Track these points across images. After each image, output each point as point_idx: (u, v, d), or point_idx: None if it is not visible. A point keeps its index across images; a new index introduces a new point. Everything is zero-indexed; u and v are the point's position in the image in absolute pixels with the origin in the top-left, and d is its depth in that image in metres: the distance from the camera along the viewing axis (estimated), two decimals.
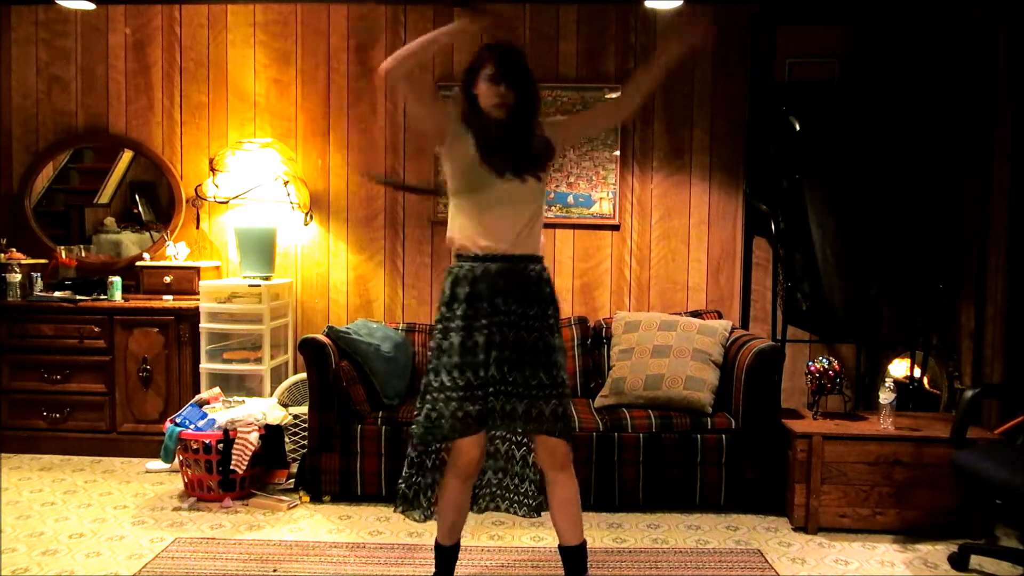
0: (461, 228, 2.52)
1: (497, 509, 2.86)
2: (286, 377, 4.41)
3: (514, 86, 2.45)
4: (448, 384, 2.46)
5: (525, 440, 2.73)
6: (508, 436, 2.76)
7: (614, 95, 2.50)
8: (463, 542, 3.22)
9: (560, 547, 2.62)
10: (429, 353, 2.56)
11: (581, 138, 2.58)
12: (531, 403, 2.46)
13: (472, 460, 2.56)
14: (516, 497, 2.80)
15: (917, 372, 4.21)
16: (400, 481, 2.67)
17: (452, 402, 2.45)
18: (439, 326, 2.52)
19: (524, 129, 2.50)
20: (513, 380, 2.45)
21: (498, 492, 2.82)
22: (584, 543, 2.62)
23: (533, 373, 2.46)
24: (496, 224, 2.47)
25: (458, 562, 2.75)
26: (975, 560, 3.12)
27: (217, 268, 4.65)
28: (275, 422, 3.80)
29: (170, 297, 4.42)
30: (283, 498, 3.67)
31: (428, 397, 2.51)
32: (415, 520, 2.68)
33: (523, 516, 2.81)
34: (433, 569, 2.74)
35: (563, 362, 2.55)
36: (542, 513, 2.80)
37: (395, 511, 2.73)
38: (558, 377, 2.50)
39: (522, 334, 2.46)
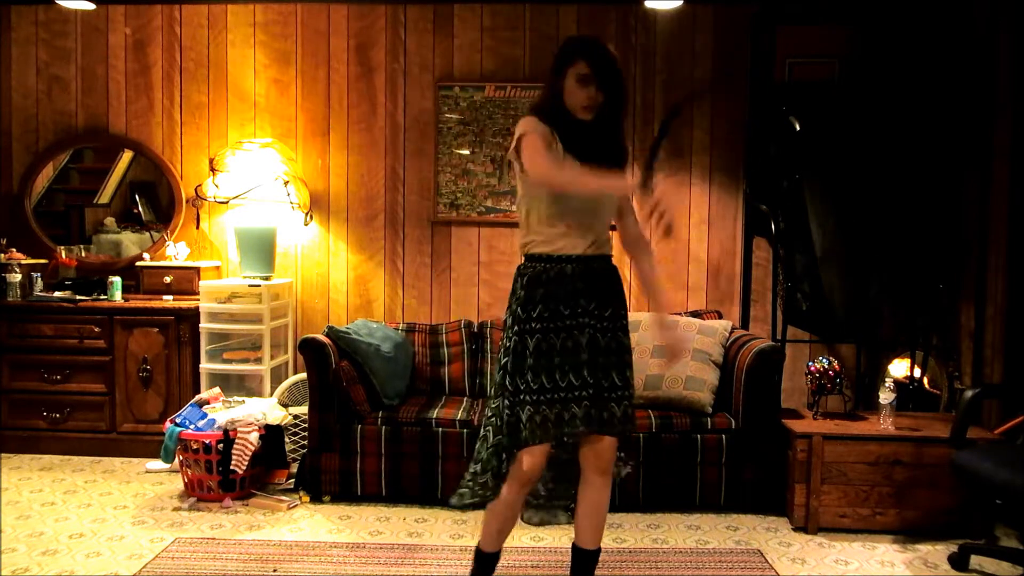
0: (538, 228, 2.45)
1: (555, 521, 2.72)
2: (286, 377, 4.41)
3: (605, 89, 2.37)
4: (523, 388, 2.39)
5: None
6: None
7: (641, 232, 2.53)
8: (462, 542, 3.23)
9: (574, 547, 2.59)
10: (503, 355, 2.47)
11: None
12: (605, 405, 2.43)
13: (537, 467, 2.46)
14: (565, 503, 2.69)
15: (917, 372, 4.21)
16: (469, 481, 2.53)
17: (528, 406, 2.38)
18: (515, 327, 2.44)
19: (610, 133, 2.46)
20: (594, 383, 2.41)
21: (554, 503, 2.70)
22: (599, 551, 2.58)
23: (607, 375, 2.42)
24: (579, 226, 2.42)
25: (458, 562, 2.74)
26: (975, 560, 3.12)
27: (217, 268, 4.65)
28: (275, 422, 3.80)
29: (170, 297, 4.42)
30: (283, 498, 3.67)
31: (507, 402, 2.42)
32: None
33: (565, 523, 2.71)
34: (432, 569, 2.72)
35: (631, 362, 2.53)
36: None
37: (458, 508, 2.59)
38: (630, 378, 2.49)
39: (598, 336, 2.42)
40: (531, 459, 2.41)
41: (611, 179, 2.39)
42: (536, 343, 2.40)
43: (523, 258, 2.50)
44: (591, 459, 2.50)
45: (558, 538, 3.29)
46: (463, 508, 2.57)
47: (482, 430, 2.51)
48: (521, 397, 2.39)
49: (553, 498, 2.68)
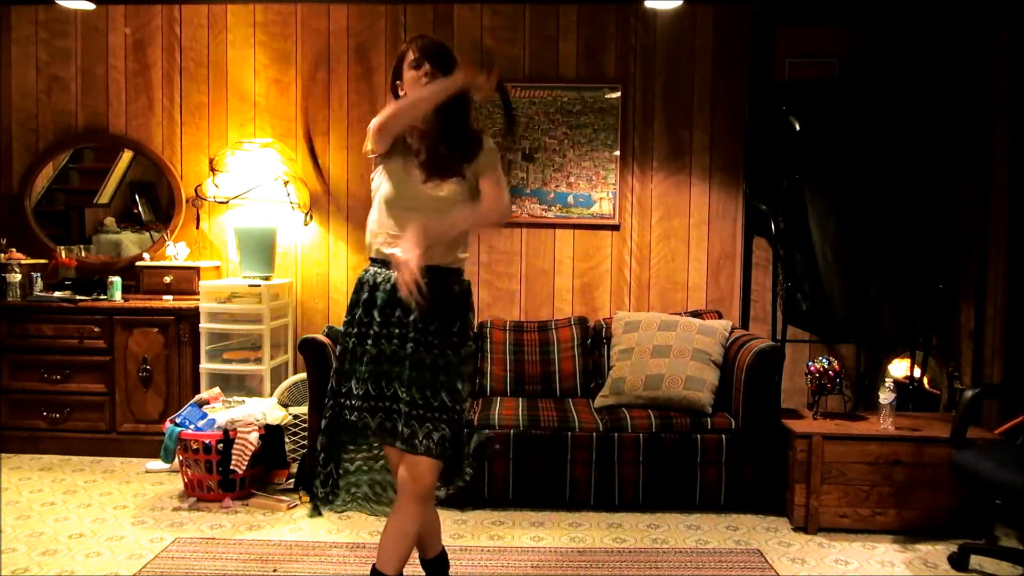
0: (374, 232, 2.44)
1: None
2: (286, 377, 4.41)
3: (439, 66, 2.31)
4: (343, 391, 2.37)
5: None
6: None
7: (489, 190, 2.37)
8: (462, 542, 3.23)
9: (373, 568, 2.42)
10: (338, 356, 2.44)
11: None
12: (407, 422, 2.29)
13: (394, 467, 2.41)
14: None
15: (917, 372, 4.21)
16: (317, 483, 2.50)
17: (343, 409, 2.36)
18: (348, 330, 2.42)
19: (457, 114, 2.35)
20: (394, 397, 2.32)
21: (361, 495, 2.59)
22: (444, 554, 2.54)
23: (422, 391, 2.30)
24: (405, 229, 2.30)
25: (458, 562, 2.74)
26: (975, 560, 3.12)
27: (217, 268, 4.65)
28: (275, 422, 3.80)
29: (170, 297, 4.42)
30: (283, 498, 3.67)
31: (330, 402, 2.41)
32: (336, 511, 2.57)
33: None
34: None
35: (456, 386, 2.35)
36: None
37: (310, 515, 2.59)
38: (448, 401, 2.32)
39: (416, 349, 2.30)
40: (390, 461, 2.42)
41: (440, 82, 2.26)
42: (349, 347, 2.37)
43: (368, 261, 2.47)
44: (404, 484, 2.33)
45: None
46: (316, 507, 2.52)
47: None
48: (340, 400, 2.37)
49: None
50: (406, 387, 2.30)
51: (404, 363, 2.31)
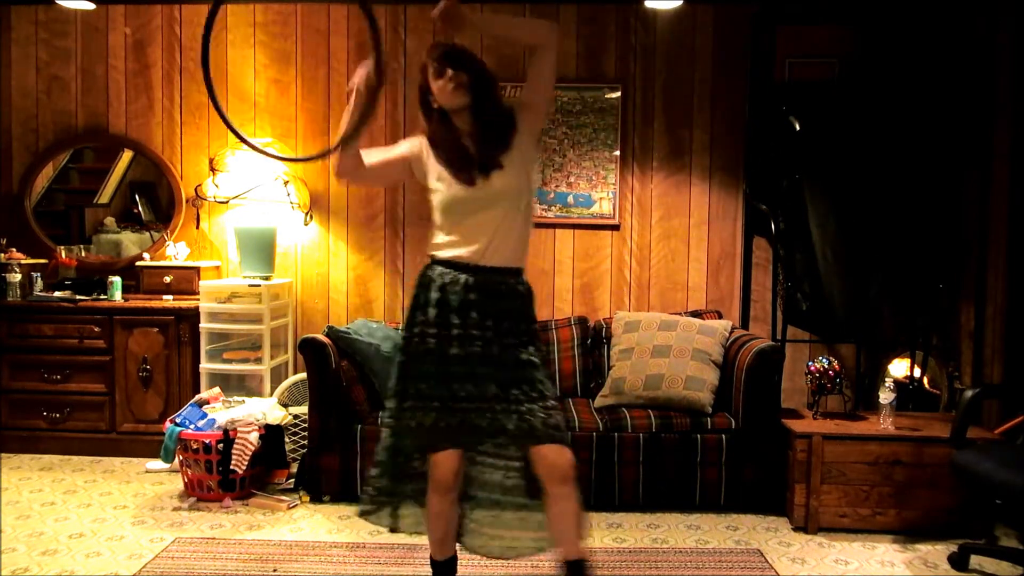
0: (438, 234, 2.45)
1: (464, 546, 2.64)
2: (286, 377, 4.41)
3: (462, 67, 2.37)
4: (415, 393, 2.38)
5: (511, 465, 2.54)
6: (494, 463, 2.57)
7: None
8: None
9: (562, 562, 2.49)
10: (399, 359, 2.45)
11: (542, 96, 2.42)
12: (517, 418, 2.34)
13: (448, 472, 2.44)
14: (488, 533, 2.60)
15: (917, 372, 4.21)
16: (368, 489, 2.54)
17: (421, 412, 2.37)
18: (406, 332, 2.43)
19: (489, 110, 2.41)
20: (483, 395, 2.35)
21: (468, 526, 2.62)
22: (582, 560, 2.45)
23: (511, 387, 2.35)
24: (468, 231, 2.38)
25: (459, 562, 2.74)
26: (975, 560, 3.12)
27: (217, 268, 4.65)
28: (275, 422, 3.80)
29: (170, 297, 4.42)
30: (283, 498, 3.67)
31: (404, 406, 2.42)
32: (381, 526, 2.59)
33: (496, 557, 2.62)
34: (430, 570, 2.71)
35: (538, 376, 2.40)
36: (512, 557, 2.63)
37: (360, 516, 2.60)
38: (541, 391, 2.37)
39: (492, 349, 2.35)
40: (441, 466, 2.42)
41: (348, 105, 2.39)
42: (427, 350, 2.37)
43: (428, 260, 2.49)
44: (544, 472, 2.39)
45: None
46: (368, 519, 2.56)
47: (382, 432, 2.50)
48: (415, 403, 2.38)
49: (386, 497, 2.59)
50: (504, 385, 2.34)
51: (485, 363, 2.35)
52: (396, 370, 2.45)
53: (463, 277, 2.37)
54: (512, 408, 2.35)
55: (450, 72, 2.36)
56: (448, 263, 2.41)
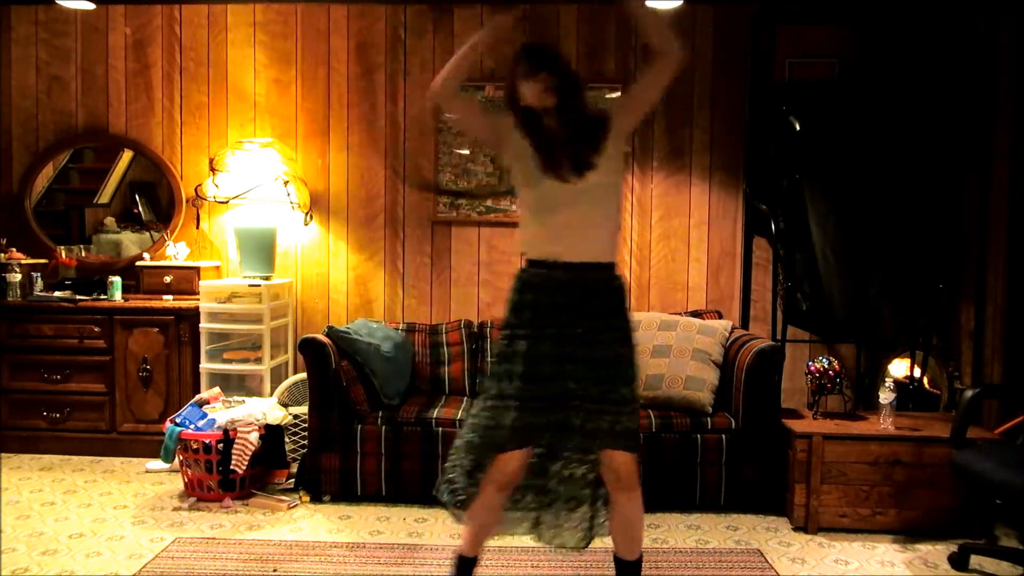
0: (529, 232, 2.47)
1: (540, 538, 2.66)
2: (286, 377, 4.41)
3: (552, 70, 2.40)
4: (504, 392, 2.39)
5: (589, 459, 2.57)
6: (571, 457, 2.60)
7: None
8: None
9: (615, 556, 2.58)
10: (492, 360, 2.49)
11: (648, 101, 2.47)
12: (590, 418, 2.38)
13: (513, 472, 2.45)
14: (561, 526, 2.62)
15: (917, 372, 4.21)
16: (444, 484, 2.55)
17: (512, 412, 2.38)
18: (504, 332, 2.45)
19: (578, 110, 2.44)
20: (576, 394, 2.38)
21: (543, 519, 2.64)
22: (639, 561, 2.55)
23: (595, 387, 2.38)
24: (565, 232, 2.39)
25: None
26: (975, 560, 3.12)
27: (217, 268, 4.65)
28: (275, 422, 3.80)
29: (170, 297, 4.42)
30: (283, 498, 3.67)
31: (488, 404, 2.43)
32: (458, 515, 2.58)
33: (570, 548, 2.64)
34: (432, 569, 2.72)
35: (631, 376, 2.45)
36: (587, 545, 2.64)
37: (455, 520, 2.62)
38: (626, 393, 2.41)
39: (587, 347, 2.38)
40: (507, 463, 2.42)
41: (475, 36, 2.45)
42: (521, 349, 2.39)
43: (523, 262, 2.50)
44: (609, 478, 2.47)
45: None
46: (445, 506, 2.57)
47: (461, 428, 2.52)
48: (501, 401, 2.39)
49: (517, 507, 2.61)
50: (589, 384, 2.36)
51: (580, 361, 2.37)
52: (494, 369, 2.46)
53: (558, 274, 2.40)
54: (595, 408, 2.38)
55: (539, 74, 2.39)
56: (542, 263, 2.42)
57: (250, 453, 3.61)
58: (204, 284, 4.30)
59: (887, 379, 3.62)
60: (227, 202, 4.37)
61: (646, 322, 4.02)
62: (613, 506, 2.51)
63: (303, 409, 4.08)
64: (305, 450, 3.84)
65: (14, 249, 4.49)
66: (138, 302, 4.33)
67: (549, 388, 2.37)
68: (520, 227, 2.52)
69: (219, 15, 4.62)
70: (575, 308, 2.39)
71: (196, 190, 4.47)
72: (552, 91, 2.40)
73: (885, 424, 3.49)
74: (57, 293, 4.41)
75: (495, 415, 2.41)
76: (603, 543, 3.26)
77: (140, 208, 4.87)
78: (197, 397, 3.95)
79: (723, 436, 3.62)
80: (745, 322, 4.47)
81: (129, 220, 4.89)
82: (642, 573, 2.60)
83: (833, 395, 3.73)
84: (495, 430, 2.40)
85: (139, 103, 4.69)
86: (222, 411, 3.77)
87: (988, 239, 3.95)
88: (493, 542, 3.23)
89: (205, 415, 3.72)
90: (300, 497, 3.71)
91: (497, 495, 2.48)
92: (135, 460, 4.24)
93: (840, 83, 4.36)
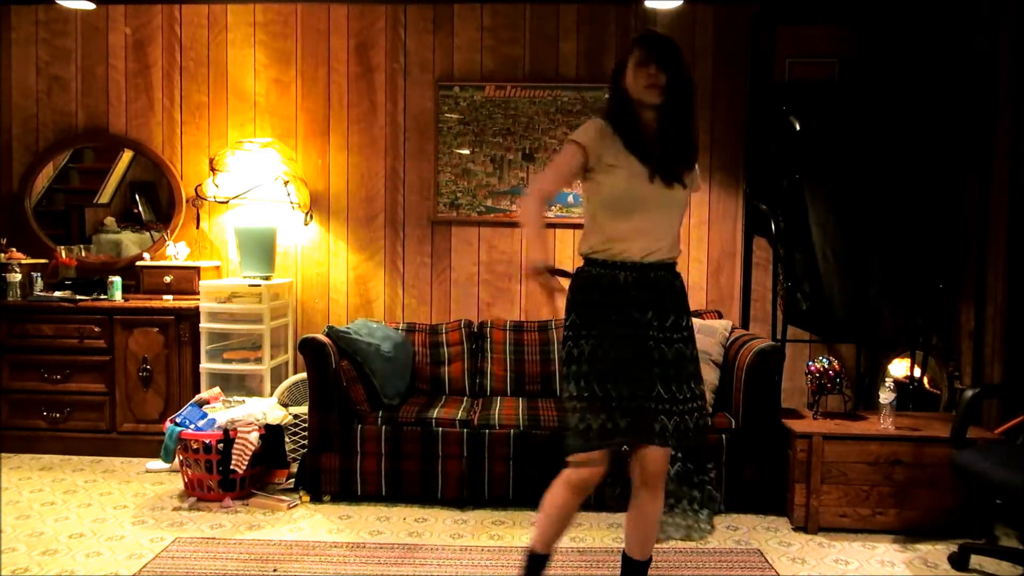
0: (598, 232, 2.40)
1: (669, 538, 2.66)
2: (286, 377, 4.41)
3: (665, 68, 2.32)
4: (575, 394, 2.35)
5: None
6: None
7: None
8: (462, 542, 3.24)
9: (623, 554, 2.55)
10: (562, 362, 2.45)
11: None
12: (655, 417, 2.34)
13: (588, 474, 2.38)
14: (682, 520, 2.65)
15: (917, 372, 4.21)
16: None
17: (577, 413, 2.33)
18: (568, 333, 2.40)
19: (681, 119, 2.38)
20: (645, 394, 2.33)
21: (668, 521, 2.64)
22: (648, 562, 2.52)
23: (664, 386, 2.34)
24: (635, 231, 2.34)
25: (458, 562, 2.74)
26: (975, 560, 3.12)
27: (217, 268, 4.65)
28: (275, 422, 3.80)
29: (170, 297, 4.42)
30: (283, 498, 3.67)
31: (567, 406, 2.40)
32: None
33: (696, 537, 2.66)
34: (432, 569, 2.72)
35: (697, 374, 2.42)
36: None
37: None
38: (693, 390, 2.39)
39: (655, 345, 2.34)
40: (583, 466, 2.37)
41: (532, 248, 2.36)
42: (589, 350, 2.34)
43: (583, 261, 2.46)
44: (636, 471, 2.44)
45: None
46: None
47: None
48: (573, 404, 2.35)
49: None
50: (657, 384, 2.33)
51: (649, 360, 2.34)
52: (564, 372, 2.42)
53: (623, 275, 2.36)
54: (675, 408, 2.34)
55: (653, 68, 2.33)
56: (607, 263, 2.38)
57: (250, 453, 3.61)
58: (204, 284, 4.30)
59: (887, 379, 3.62)
60: (227, 202, 4.37)
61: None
62: (633, 501, 2.47)
63: (303, 409, 4.08)
64: (305, 450, 3.83)
65: (14, 249, 4.49)
66: (138, 302, 4.33)
67: (618, 391, 2.32)
68: (587, 226, 2.44)
69: (219, 15, 4.62)
70: (641, 307, 2.35)
71: (196, 190, 4.47)
72: (659, 88, 2.33)
73: (885, 424, 3.49)
74: (57, 293, 4.41)
75: (570, 417, 2.37)
76: (602, 543, 3.27)
77: (140, 208, 4.87)
78: (197, 397, 3.95)
79: (723, 436, 3.61)
80: (745, 322, 4.47)
81: (129, 220, 4.89)
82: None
83: (833, 395, 3.73)
84: (571, 431, 2.36)
85: (139, 103, 4.69)
86: (222, 411, 3.77)
87: (988, 239, 3.95)
88: (493, 542, 3.24)
89: (205, 415, 3.72)
90: (300, 497, 3.71)
91: (576, 498, 2.40)
92: (135, 460, 4.24)
93: (840, 83, 4.36)
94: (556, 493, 2.41)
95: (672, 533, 2.64)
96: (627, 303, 2.35)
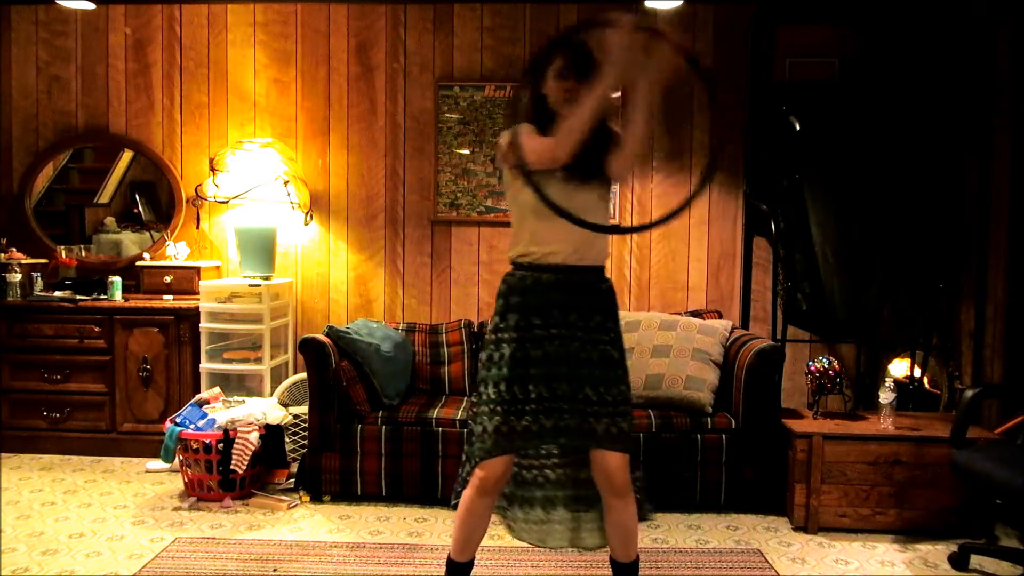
0: (524, 236, 2.41)
1: (574, 545, 2.66)
2: (286, 377, 4.41)
3: (585, 80, 2.29)
4: (493, 397, 2.36)
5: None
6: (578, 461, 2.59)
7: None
8: None
9: (611, 559, 2.55)
10: (479, 364, 2.45)
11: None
12: (584, 419, 2.34)
13: (494, 477, 2.39)
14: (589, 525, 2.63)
15: (917, 372, 4.21)
16: (454, 498, 2.57)
17: (493, 416, 2.34)
18: (491, 336, 2.42)
19: (595, 130, 2.33)
20: (567, 396, 2.34)
21: (556, 524, 2.64)
22: (635, 562, 2.52)
23: (588, 388, 2.34)
24: (559, 235, 2.34)
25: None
26: (975, 560, 3.12)
27: (217, 268, 4.65)
28: (275, 422, 3.80)
29: (170, 297, 4.42)
30: (283, 498, 3.67)
31: (477, 410, 2.40)
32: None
33: (590, 548, 2.65)
34: (432, 569, 2.72)
35: (622, 377, 2.41)
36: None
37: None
38: (619, 393, 2.37)
39: (577, 347, 2.34)
40: (490, 469, 2.37)
41: (589, 97, 2.23)
42: (508, 353, 2.36)
43: (511, 266, 2.47)
44: (601, 482, 2.43)
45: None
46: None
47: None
48: (489, 407, 2.36)
49: (543, 518, 2.61)
50: (581, 385, 2.33)
51: (573, 362, 2.34)
52: (480, 374, 2.43)
53: (547, 277, 2.37)
54: (597, 410, 2.35)
55: (572, 83, 2.32)
56: (531, 266, 2.38)
57: (250, 453, 3.61)
58: (204, 284, 4.30)
59: (887, 379, 3.62)
60: (227, 202, 4.37)
61: (646, 322, 4.02)
62: (606, 510, 2.47)
63: (303, 409, 4.08)
64: (305, 450, 3.84)
65: (14, 249, 4.49)
66: (138, 302, 4.33)
67: (539, 392, 2.33)
68: (514, 230, 2.46)
69: (219, 15, 4.62)
70: (565, 309, 2.36)
71: (196, 190, 4.47)
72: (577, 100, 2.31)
73: (885, 424, 3.49)
74: (57, 293, 4.41)
75: (480, 420, 2.38)
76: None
77: (140, 208, 4.87)
78: (197, 397, 3.95)
79: (723, 436, 3.62)
80: (745, 322, 4.47)
81: (129, 220, 4.89)
82: (641, 573, 2.59)
83: (833, 395, 3.73)
84: (480, 435, 2.37)
85: (139, 103, 4.69)
86: (222, 411, 3.77)
87: (988, 239, 3.95)
88: (493, 542, 3.24)
89: (205, 415, 3.72)
90: (300, 497, 3.71)
91: (483, 501, 2.42)
92: (135, 460, 4.24)
93: (840, 83, 4.36)
94: (469, 501, 2.42)
95: (586, 541, 2.61)
96: (550, 305, 2.36)
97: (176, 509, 3.59)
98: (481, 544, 3.16)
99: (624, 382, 2.41)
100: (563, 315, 2.35)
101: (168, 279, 4.45)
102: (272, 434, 3.78)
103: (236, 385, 4.25)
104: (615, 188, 4.49)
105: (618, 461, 2.38)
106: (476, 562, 2.59)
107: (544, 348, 2.34)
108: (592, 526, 2.61)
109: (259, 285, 4.25)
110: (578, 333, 2.36)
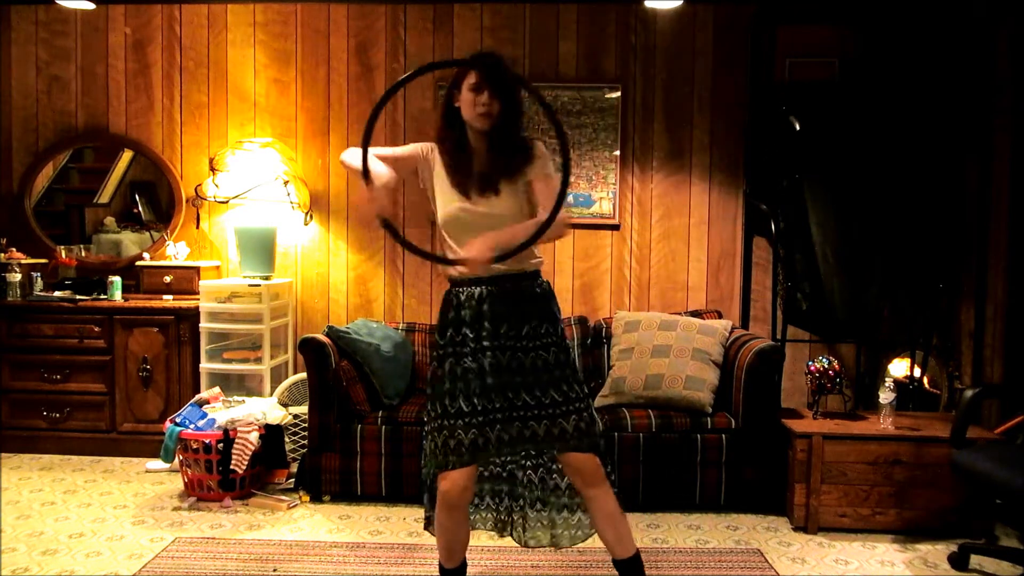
0: (449, 252, 2.44)
1: (539, 544, 2.71)
2: (286, 377, 4.41)
3: (498, 94, 2.33)
4: (440, 412, 2.38)
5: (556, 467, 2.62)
6: (543, 463, 2.65)
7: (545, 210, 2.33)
8: None
9: (613, 560, 2.55)
10: (427, 382, 2.49)
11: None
12: (544, 422, 2.37)
13: (459, 489, 2.40)
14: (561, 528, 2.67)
15: (917, 372, 4.21)
16: (427, 525, 2.66)
17: (444, 431, 2.36)
18: (433, 353, 2.47)
19: (504, 141, 2.38)
20: (512, 405, 2.36)
21: (539, 525, 2.69)
22: (636, 556, 2.52)
23: (538, 393, 2.37)
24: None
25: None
26: (975, 560, 3.12)
27: (217, 268, 4.65)
28: (275, 422, 3.80)
29: (170, 297, 4.42)
30: (283, 498, 3.67)
31: (428, 428, 2.43)
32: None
33: (566, 545, 2.69)
34: (432, 569, 2.73)
35: (570, 376, 2.43)
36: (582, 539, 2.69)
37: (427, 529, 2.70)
38: (570, 392, 2.39)
39: (515, 356, 2.37)
40: (449, 483, 2.38)
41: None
42: (447, 368, 2.38)
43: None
44: (577, 481, 2.46)
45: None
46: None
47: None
48: (436, 423, 2.38)
49: (550, 522, 2.67)
50: (521, 393, 2.35)
51: (509, 371, 2.36)
52: (428, 392, 2.46)
53: (477, 290, 2.39)
54: (541, 414, 2.37)
55: (486, 95, 2.32)
56: (462, 280, 2.41)
57: (250, 453, 3.62)
58: (204, 284, 4.30)
59: (887, 379, 3.62)
60: (227, 202, 4.37)
61: (646, 322, 4.02)
62: (590, 505, 2.48)
63: (303, 409, 4.08)
64: (305, 450, 3.84)
65: (14, 249, 4.49)
66: (138, 302, 4.33)
67: (482, 404, 2.35)
68: (441, 248, 2.49)
69: (219, 15, 4.62)
70: (496, 321, 2.37)
71: (196, 190, 4.46)
72: (492, 117, 2.33)
73: (885, 424, 3.49)
74: (57, 293, 4.41)
75: (431, 437, 2.40)
76: (600, 542, 3.26)
77: (140, 208, 4.87)
78: (197, 397, 3.95)
79: (723, 436, 3.62)
80: (745, 322, 4.47)
81: (129, 220, 4.89)
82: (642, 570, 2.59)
83: (833, 395, 3.73)
84: (432, 452, 2.40)
85: (139, 103, 4.69)
86: (222, 411, 3.77)
87: (988, 239, 3.95)
88: (493, 542, 3.24)
89: (205, 415, 3.73)
90: (300, 497, 3.71)
91: (449, 514, 2.44)
92: (135, 460, 4.24)
93: (840, 83, 4.36)
94: (440, 516, 2.46)
95: (542, 539, 2.63)
96: (481, 317, 2.37)
97: (176, 509, 3.59)
98: (481, 544, 3.17)
99: (570, 380, 2.41)
100: (494, 326, 2.36)
101: (168, 279, 4.45)
102: (272, 434, 3.78)
103: (236, 385, 4.25)
104: (612, 190, 4.49)
105: (581, 457, 2.41)
106: (476, 562, 2.60)
107: (479, 361, 2.36)
108: (558, 527, 2.66)
109: (259, 285, 4.25)
110: (510, 343, 2.37)
